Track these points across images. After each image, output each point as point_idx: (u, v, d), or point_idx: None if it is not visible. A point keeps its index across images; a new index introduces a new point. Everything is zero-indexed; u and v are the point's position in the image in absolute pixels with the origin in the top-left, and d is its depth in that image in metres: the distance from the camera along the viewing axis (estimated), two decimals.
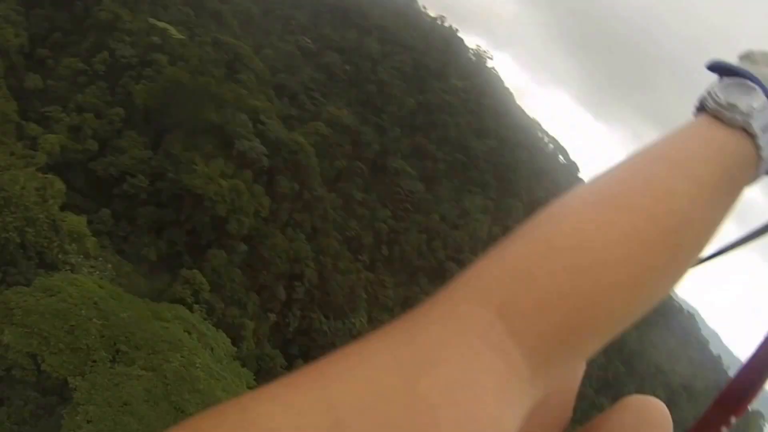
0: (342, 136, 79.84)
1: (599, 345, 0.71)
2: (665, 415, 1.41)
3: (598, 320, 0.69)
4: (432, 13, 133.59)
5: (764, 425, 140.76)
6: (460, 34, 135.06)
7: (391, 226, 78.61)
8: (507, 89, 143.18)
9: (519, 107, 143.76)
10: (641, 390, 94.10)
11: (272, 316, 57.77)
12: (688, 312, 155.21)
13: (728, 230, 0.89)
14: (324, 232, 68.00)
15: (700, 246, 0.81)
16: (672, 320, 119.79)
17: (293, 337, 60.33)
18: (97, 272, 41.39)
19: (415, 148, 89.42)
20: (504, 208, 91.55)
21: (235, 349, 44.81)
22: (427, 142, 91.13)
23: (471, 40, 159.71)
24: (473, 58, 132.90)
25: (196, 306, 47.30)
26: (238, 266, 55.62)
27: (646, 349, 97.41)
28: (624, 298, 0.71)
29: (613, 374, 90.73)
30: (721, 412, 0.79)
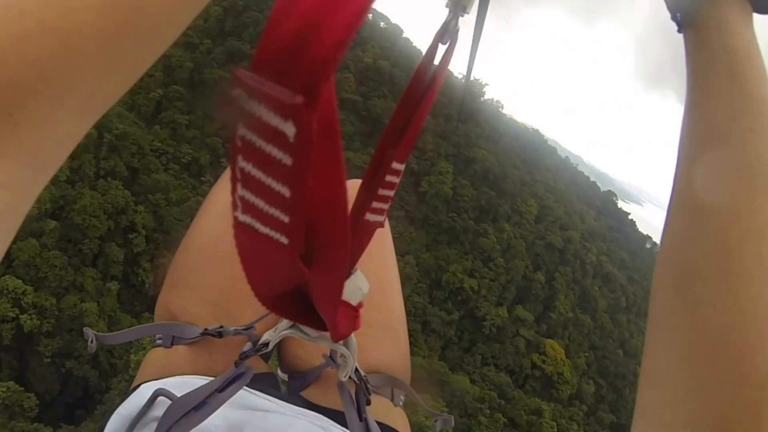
0: (151, 67, 70.31)
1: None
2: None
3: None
4: None
5: (617, 201, 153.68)
6: None
7: (225, 137, 71.43)
8: None
9: None
10: (514, 206, 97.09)
11: (114, 285, 49.93)
12: (532, 129, 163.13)
13: None
14: (145, 169, 59.46)
15: None
16: (518, 140, 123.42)
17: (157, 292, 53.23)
18: None
19: (229, 54, 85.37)
20: None
21: None
22: (240, 44, 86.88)
23: None
24: None
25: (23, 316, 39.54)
26: (55, 248, 46.81)
27: (506, 170, 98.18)
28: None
29: (486, 200, 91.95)
30: (384, 155, 0.76)
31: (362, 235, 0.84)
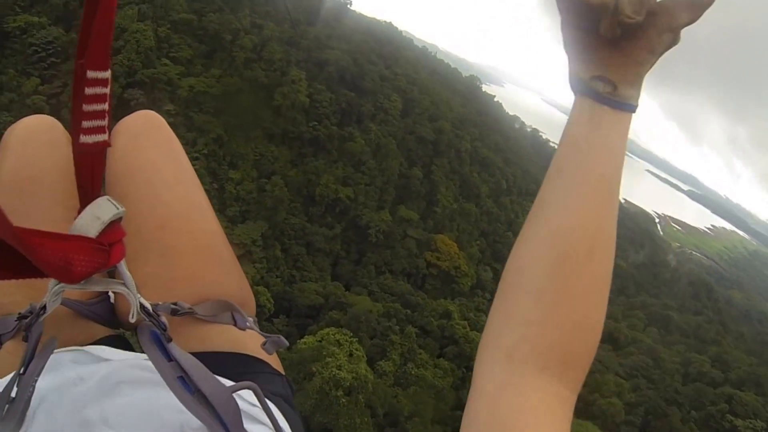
0: None
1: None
2: (148, 117, 1.81)
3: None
4: None
5: (481, 86, 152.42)
6: None
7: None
8: None
9: None
10: (377, 103, 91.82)
11: None
12: (384, 22, 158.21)
13: None
14: None
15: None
16: (372, 35, 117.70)
17: None
18: None
19: None
20: None
21: None
22: None
23: None
24: None
25: None
26: None
27: (363, 68, 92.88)
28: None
29: (346, 102, 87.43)
30: (77, 67, 0.77)
31: (86, 159, 0.81)
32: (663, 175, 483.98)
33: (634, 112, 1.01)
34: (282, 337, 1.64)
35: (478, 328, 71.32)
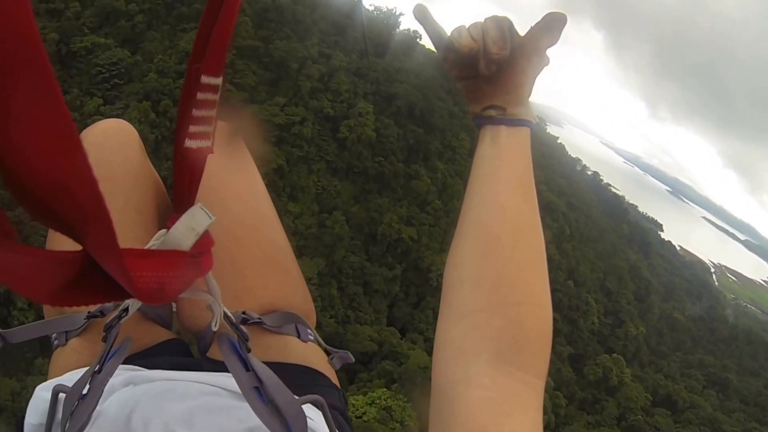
0: None
1: None
2: (221, 127, 1.79)
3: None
4: None
5: (546, 126, 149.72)
6: None
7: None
8: None
9: None
10: (445, 141, 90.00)
11: None
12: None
13: None
14: None
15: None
16: (441, 70, 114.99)
17: None
18: None
19: (103, 16, 71.33)
20: None
21: None
22: (114, 1, 73.57)
23: None
24: None
25: None
26: None
27: (432, 104, 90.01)
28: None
29: (414, 139, 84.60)
30: (191, 72, 0.77)
31: (188, 164, 0.83)
32: (720, 223, 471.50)
33: (529, 126, 1.17)
34: (349, 353, 1.71)
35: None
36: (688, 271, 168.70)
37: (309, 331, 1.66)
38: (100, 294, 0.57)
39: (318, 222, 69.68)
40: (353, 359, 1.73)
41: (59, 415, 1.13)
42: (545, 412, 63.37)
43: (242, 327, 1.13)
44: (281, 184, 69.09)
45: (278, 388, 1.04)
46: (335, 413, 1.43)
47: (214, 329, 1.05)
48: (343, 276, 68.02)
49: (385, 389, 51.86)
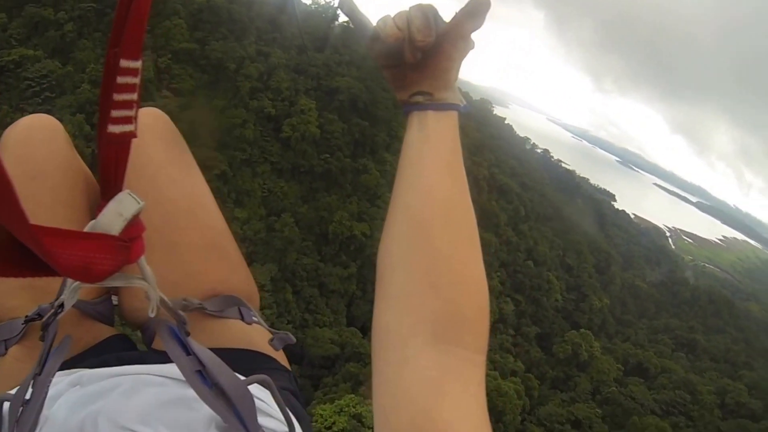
0: None
1: None
2: (154, 114, 1.82)
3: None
4: None
5: (492, 108, 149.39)
6: None
7: None
8: None
9: None
10: (391, 132, 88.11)
11: None
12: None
13: None
14: None
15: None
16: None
17: None
18: None
19: (30, 27, 67.89)
20: None
21: None
22: (42, 10, 69.18)
23: None
24: None
25: None
26: None
27: (376, 95, 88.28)
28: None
29: (359, 132, 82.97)
30: (110, 56, 0.77)
31: (113, 150, 0.83)
32: (671, 187, 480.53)
33: (456, 110, 1.18)
34: (290, 334, 1.68)
35: (503, 372, 67.32)
36: (645, 238, 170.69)
37: (253, 313, 1.65)
38: (27, 268, 0.58)
39: (266, 226, 67.43)
40: (294, 339, 1.67)
41: (5, 424, 1.09)
42: (519, 397, 63.11)
43: (180, 312, 1.12)
44: (226, 190, 66.62)
45: (221, 371, 1.03)
46: (285, 393, 1.45)
47: (152, 315, 1.04)
48: (297, 279, 66.01)
49: (352, 395, 50.04)
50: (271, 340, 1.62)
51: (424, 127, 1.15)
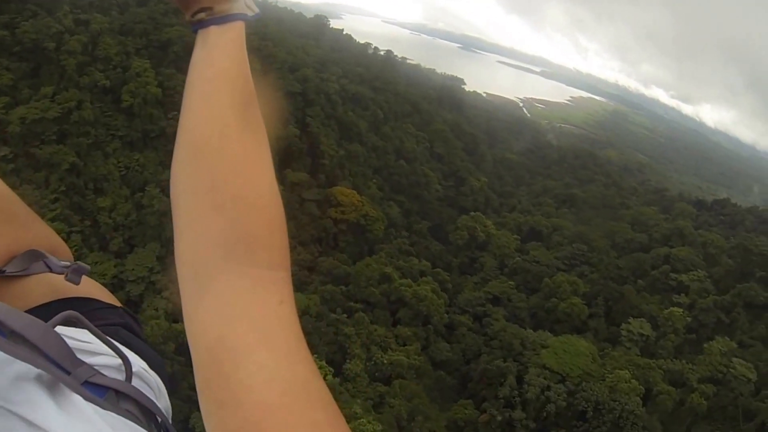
0: None
1: None
2: None
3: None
4: None
5: (328, 23, 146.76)
6: None
7: None
8: None
9: None
10: None
11: None
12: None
13: None
14: None
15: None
16: None
17: None
18: None
19: None
20: None
21: None
22: None
23: None
24: None
25: None
26: None
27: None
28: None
29: None
30: None
31: None
32: (515, 62, 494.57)
33: (242, 19, 1.18)
34: (81, 263, 1.58)
35: (413, 275, 68.76)
36: (502, 113, 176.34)
37: (61, 261, 1.53)
38: None
39: (135, 205, 63.10)
40: (88, 267, 1.55)
41: None
42: (438, 296, 64.31)
43: None
44: (81, 183, 61.39)
45: (18, 317, 0.92)
46: (116, 328, 1.41)
47: None
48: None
49: None
50: (66, 275, 1.49)
51: (206, 44, 1.12)
